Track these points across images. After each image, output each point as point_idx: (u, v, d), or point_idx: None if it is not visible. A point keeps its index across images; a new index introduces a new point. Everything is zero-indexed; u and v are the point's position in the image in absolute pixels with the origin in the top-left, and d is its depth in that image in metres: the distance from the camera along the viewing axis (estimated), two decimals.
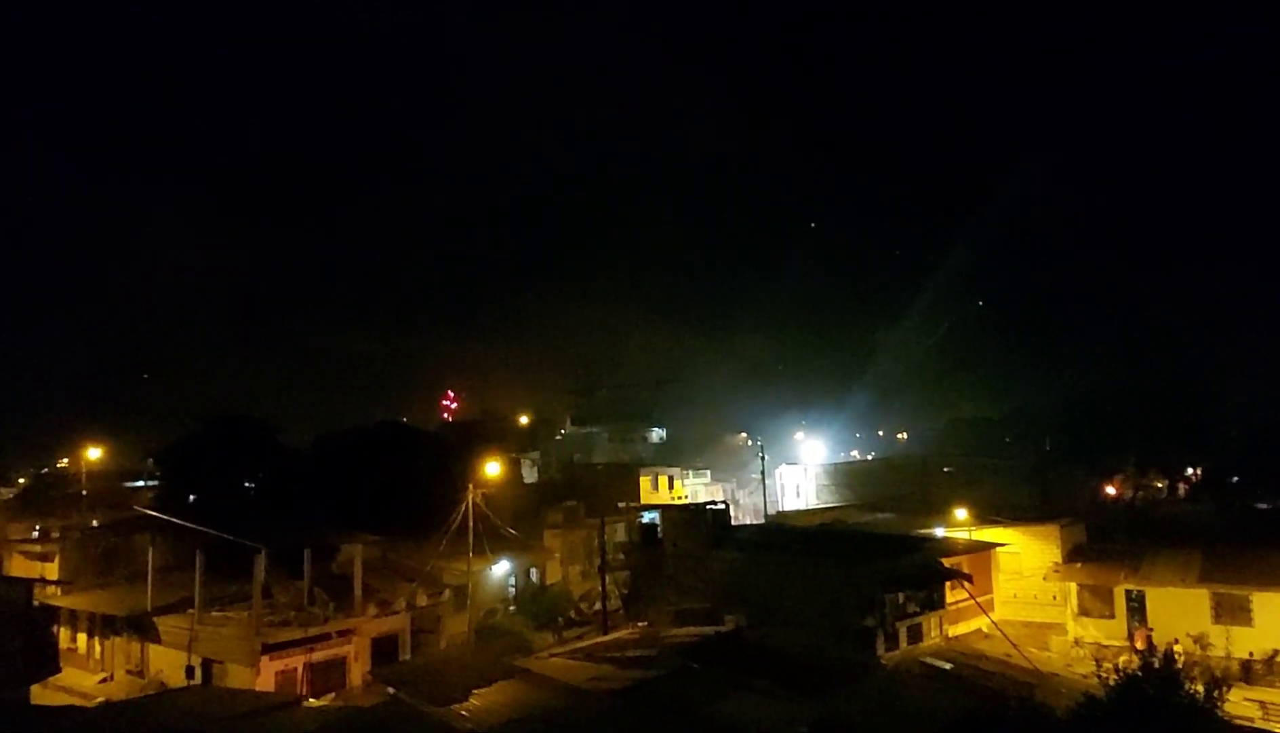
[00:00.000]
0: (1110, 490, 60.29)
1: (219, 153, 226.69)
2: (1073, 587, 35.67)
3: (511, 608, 38.55)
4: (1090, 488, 58.32)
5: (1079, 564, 36.42)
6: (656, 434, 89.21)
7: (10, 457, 78.11)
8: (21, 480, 70.97)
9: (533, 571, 41.75)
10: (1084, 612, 35.32)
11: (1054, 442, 68.77)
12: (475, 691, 23.19)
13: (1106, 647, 31.24)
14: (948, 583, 32.81)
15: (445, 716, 21.89)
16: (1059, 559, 36.53)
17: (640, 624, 32.88)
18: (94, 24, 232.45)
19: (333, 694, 28.89)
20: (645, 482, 60.11)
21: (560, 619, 38.25)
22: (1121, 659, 24.04)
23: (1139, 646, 28.52)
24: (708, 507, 39.92)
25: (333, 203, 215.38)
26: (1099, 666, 22.91)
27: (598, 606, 37.07)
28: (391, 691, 24.82)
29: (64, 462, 73.01)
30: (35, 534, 46.01)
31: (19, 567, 40.72)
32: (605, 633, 33.11)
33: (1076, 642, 34.37)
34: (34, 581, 29.34)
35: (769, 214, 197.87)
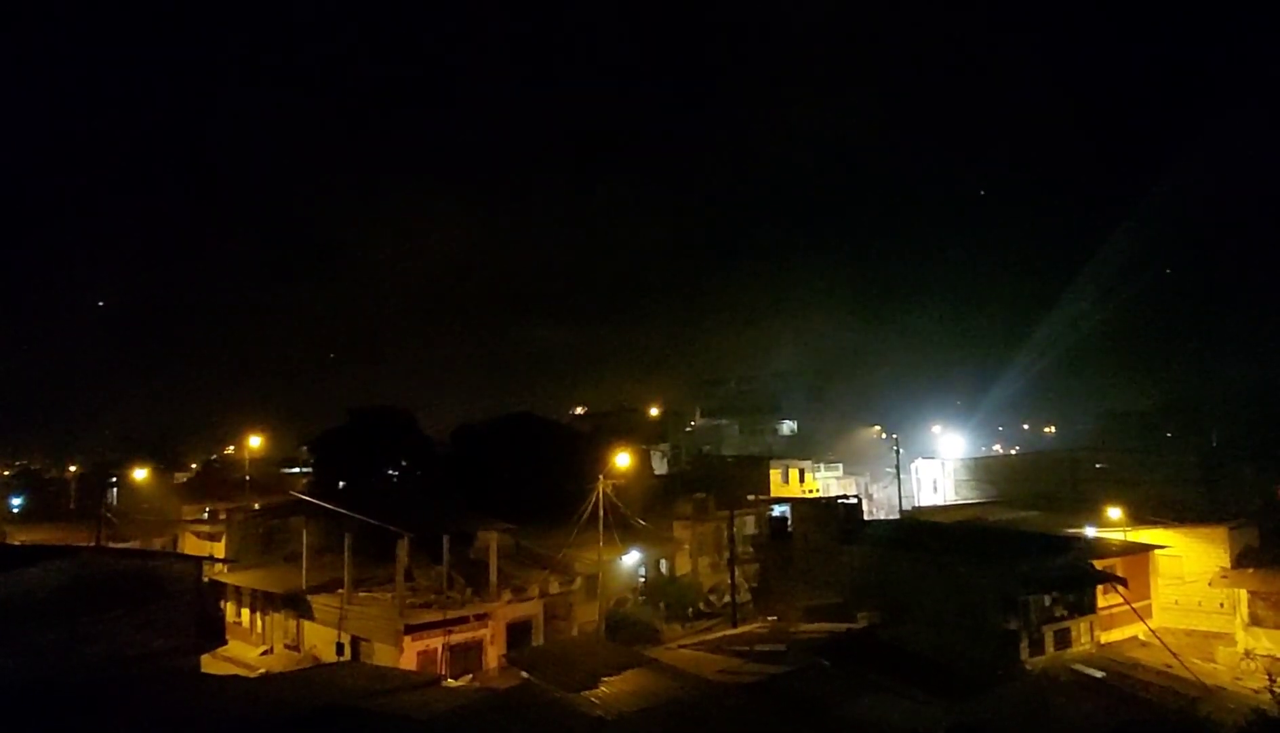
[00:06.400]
0: None
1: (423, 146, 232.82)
2: (1243, 594, 32.90)
3: (641, 598, 38.86)
4: (1264, 488, 53.57)
5: (1251, 570, 33.53)
6: (787, 426, 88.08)
7: (186, 444, 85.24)
8: (194, 466, 77.19)
9: (662, 561, 41.95)
10: (1256, 621, 32.50)
11: (1221, 436, 63.59)
12: (605, 678, 23.51)
13: None
14: (1100, 587, 30.97)
15: (576, 701, 22.29)
16: (1227, 564, 33.73)
17: (770, 618, 32.61)
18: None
19: (470, 675, 29.95)
20: (775, 474, 59.27)
21: (689, 610, 38.35)
22: None
23: None
24: (839, 501, 39.15)
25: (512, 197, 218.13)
26: (1272, 680, 21.13)
27: (727, 598, 36.97)
28: (525, 674, 25.48)
29: (230, 449, 78.85)
30: (205, 515, 49.56)
31: (191, 545, 44.38)
32: (734, 626, 33.04)
33: (1247, 654, 31.71)
34: (204, 558, 31.62)
35: (919, 193, 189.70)
